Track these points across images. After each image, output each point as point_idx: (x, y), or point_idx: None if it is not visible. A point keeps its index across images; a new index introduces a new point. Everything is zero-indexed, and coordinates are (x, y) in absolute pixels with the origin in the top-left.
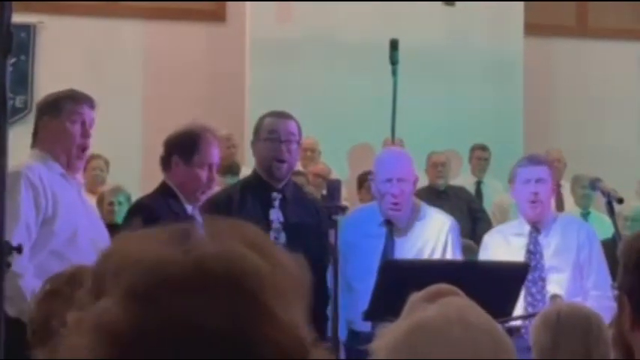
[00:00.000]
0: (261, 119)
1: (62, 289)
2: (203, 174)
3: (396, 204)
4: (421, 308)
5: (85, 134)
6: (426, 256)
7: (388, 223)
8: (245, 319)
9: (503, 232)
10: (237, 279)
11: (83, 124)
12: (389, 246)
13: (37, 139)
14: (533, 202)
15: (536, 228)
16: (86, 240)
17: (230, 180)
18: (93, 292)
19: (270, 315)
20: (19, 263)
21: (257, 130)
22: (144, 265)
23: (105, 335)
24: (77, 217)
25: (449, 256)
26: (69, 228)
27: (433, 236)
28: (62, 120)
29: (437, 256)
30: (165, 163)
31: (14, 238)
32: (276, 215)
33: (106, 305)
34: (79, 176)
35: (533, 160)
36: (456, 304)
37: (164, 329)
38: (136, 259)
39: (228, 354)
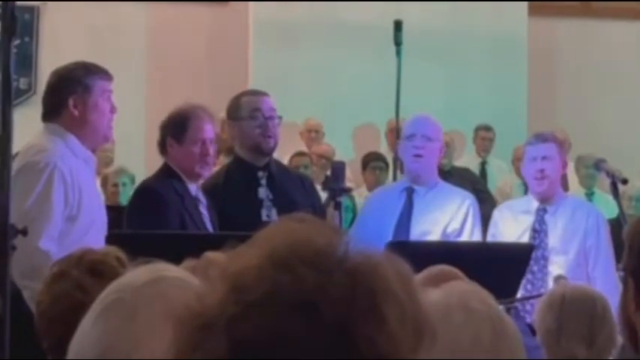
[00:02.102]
0: (237, 99)
1: (70, 271)
2: (197, 150)
3: (417, 155)
4: (424, 292)
5: (113, 109)
6: (442, 225)
7: (409, 190)
8: (357, 314)
9: (512, 209)
10: (370, 283)
11: (109, 99)
12: (406, 210)
13: (61, 116)
14: (539, 178)
15: (543, 207)
16: (97, 229)
17: None
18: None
19: (382, 323)
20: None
21: (235, 110)
22: (295, 237)
23: (235, 288)
24: (94, 209)
25: (468, 229)
26: (86, 224)
27: (453, 207)
28: (95, 98)
29: (454, 226)
30: (162, 147)
31: (45, 237)
32: (265, 193)
33: (245, 260)
34: (93, 156)
35: (539, 138)
36: (459, 289)
37: (286, 298)
38: (290, 231)
39: (328, 338)
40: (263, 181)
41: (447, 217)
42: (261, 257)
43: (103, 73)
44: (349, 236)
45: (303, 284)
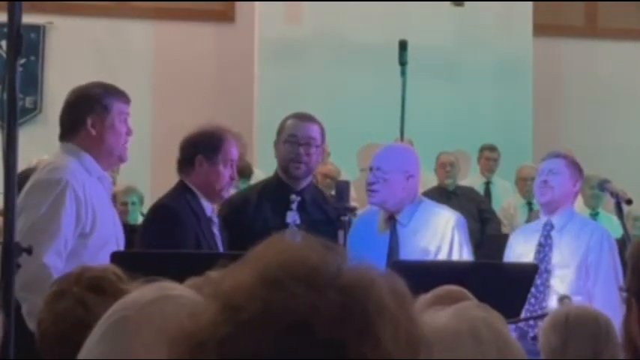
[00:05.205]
0: (285, 120)
1: (70, 290)
2: (226, 172)
3: (370, 190)
4: (432, 314)
5: (129, 132)
6: (432, 254)
7: (390, 219)
8: (351, 333)
9: (524, 231)
10: (363, 300)
11: (126, 121)
12: (393, 247)
13: (78, 135)
14: (542, 187)
15: (551, 222)
16: (111, 247)
17: (242, 184)
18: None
19: (376, 341)
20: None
21: (279, 132)
22: (287, 254)
23: (227, 307)
24: (108, 227)
25: (456, 253)
26: (100, 241)
27: (438, 234)
28: (112, 119)
29: (443, 254)
30: (187, 164)
31: (50, 252)
32: (292, 218)
33: (237, 278)
34: (108, 176)
35: (551, 154)
36: (469, 315)
37: (278, 317)
38: (282, 249)
39: (321, 357)
40: (294, 205)
41: (435, 244)
42: (253, 275)
43: (121, 95)
44: (343, 253)
45: (295, 302)
